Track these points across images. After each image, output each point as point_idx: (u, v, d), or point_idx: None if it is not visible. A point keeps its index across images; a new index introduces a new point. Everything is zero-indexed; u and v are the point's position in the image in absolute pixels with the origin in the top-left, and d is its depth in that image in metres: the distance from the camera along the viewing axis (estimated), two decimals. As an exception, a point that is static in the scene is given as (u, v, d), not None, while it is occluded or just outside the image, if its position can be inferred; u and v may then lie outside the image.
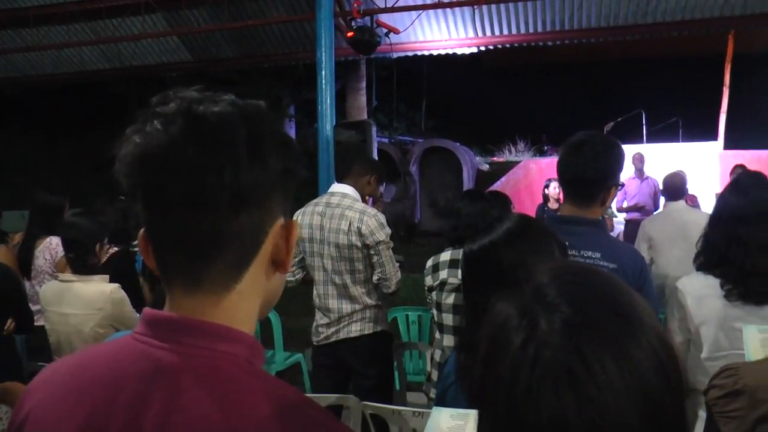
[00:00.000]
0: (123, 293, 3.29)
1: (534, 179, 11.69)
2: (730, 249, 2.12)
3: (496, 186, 11.42)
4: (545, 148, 15.65)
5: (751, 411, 1.37)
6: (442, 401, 1.75)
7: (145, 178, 0.82)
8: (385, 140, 14.89)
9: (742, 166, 8.59)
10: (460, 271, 1.80)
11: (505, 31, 10.50)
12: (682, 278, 2.29)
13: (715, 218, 2.25)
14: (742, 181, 2.28)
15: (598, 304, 0.73)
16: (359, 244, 3.47)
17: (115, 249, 4.17)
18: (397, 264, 3.60)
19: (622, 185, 8.62)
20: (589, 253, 2.22)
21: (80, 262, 3.34)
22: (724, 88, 11.68)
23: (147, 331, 0.85)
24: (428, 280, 3.41)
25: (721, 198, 2.28)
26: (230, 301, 0.87)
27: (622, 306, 0.74)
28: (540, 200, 8.14)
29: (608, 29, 10.54)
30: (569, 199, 2.37)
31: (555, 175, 7.97)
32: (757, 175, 2.32)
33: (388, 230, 3.54)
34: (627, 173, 9.13)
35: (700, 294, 2.18)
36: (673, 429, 0.71)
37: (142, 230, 0.88)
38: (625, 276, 2.18)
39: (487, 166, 14.73)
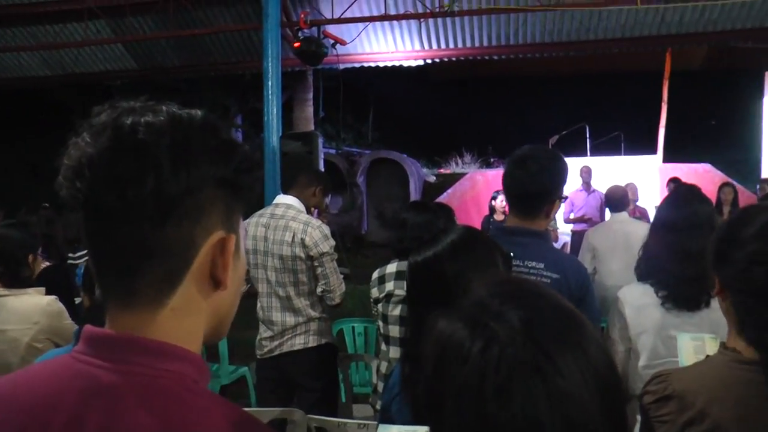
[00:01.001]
0: (60, 305, 3.16)
1: (480, 191, 11.82)
2: (664, 257, 2.18)
3: (443, 197, 11.53)
4: (491, 160, 15.87)
5: (680, 415, 1.40)
6: (386, 412, 1.73)
7: (77, 190, 0.80)
8: (333, 151, 14.88)
9: (676, 179, 8.88)
10: (405, 283, 1.79)
11: (451, 45, 10.64)
12: (623, 289, 2.35)
13: (653, 229, 2.32)
14: (678, 193, 2.35)
15: (544, 306, 0.77)
16: (303, 255, 3.45)
17: (47, 263, 4.02)
18: (342, 276, 3.58)
19: (566, 197, 8.78)
20: (533, 264, 2.25)
21: (12, 275, 3.20)
22: (663, 103, 12.07)
23: (86, 350, 0.82)
24: (374, 292, 3.39)
25: (659, 210, 2.37)
26: (165, 319, 0.83)
27: (565, 307, 0.78)
28: (486, 212, 8.23)
29: (552, 45, 10.78)
30: (514, 211, 2.40)
31: (501, 187, 8.06)
32: (692, 189, 2.39)
33: (332, 242, 3.53)
34: (574, 186, 9.31)
35: (639, 304, 2.23)
36: (623, 424, 0.74)
37: None
38: (568, 285, 2.22)
39: (434, 178, 14.85)
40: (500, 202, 7.99)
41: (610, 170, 10.73)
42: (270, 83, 7.75)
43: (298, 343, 3.56)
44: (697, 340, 1.95)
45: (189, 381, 0.82)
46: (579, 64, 12.92)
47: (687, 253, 2.07)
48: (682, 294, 2.14)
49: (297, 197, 3.63)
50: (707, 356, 1.56)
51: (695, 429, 1.38)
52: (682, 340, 1.96)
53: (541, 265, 2.25)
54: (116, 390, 0.77)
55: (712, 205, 2.35)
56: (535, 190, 2.31)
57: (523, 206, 2.35)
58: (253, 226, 3.58)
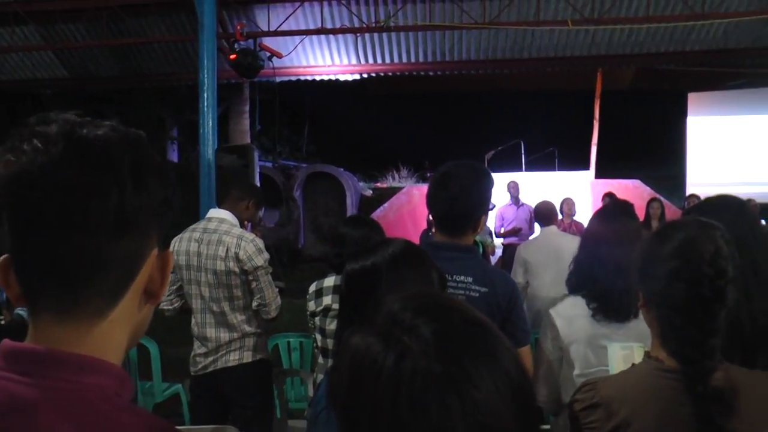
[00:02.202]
0: None
1: (417, 205, 11.90)
2: (594, 269, 2.24)
3: (380, 211, 11.57)
4: (428, 174, 16.01)
5: (607, 422, 1.45)
6: (314, 425, 1.72)
7: (17, 198, 0.78)
8: (269, 165, 14.75)
9: (611, 194, 9.14)
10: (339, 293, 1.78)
11: (387, 60, 10.74)
12: (555, 300, 2.40)
13: (584, 242, 2.39)
14: (607, 208, 2.42)
15: (456, 318, 0.78)
16: (237, 270, 3.42)
17: None
18: (277, 289, 3.55)
19: (494, 206, 8.93)
20: (462, 278, 2.28)
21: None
22: (595, 121, 12.43)
23: (3, 365, 0.79)
24: (311, 306, 3.38)
25: (590, 223, 2.45)
26: (102, 330, 0.83)
27: (477, 319, 0.79)
28: (423, 226, 8.29)
29: (486, 62, 11.00)
30: (440, 229, 2.43)
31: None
32: (621, 204, 2.47)
33: (267, 255, 3.51)
34: (503, 200, 9.47)
35: (570, 315, 2.28)
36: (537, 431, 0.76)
37: (3, 257, 0.83)
38: (497, 298, 2.27)
39: (371, 192, 14.88)
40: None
41: (544, 185, 10.97)
42: (206, 95, 7.65)
43: (233, 359, 3.51)
44: (626, 349, 2.01)
45: (111, 394, 0.81)
46: (515, 81, 13.22)
47: (616, 265, 2.13)
48: (611, 305, 2.19)
49: (230, 211, 3.59)
50: (632, 365, 1.61)
51: None
52: (612, 349, 2.03)
53: (470, 279, 2.28)
54: (36, 405, 0.76)
55: (639, 221, 2.43)
56: (459, 212, 2.35)
57: (449, 226, 2.39)
58: (186, 241, 3.53)
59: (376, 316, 0.81)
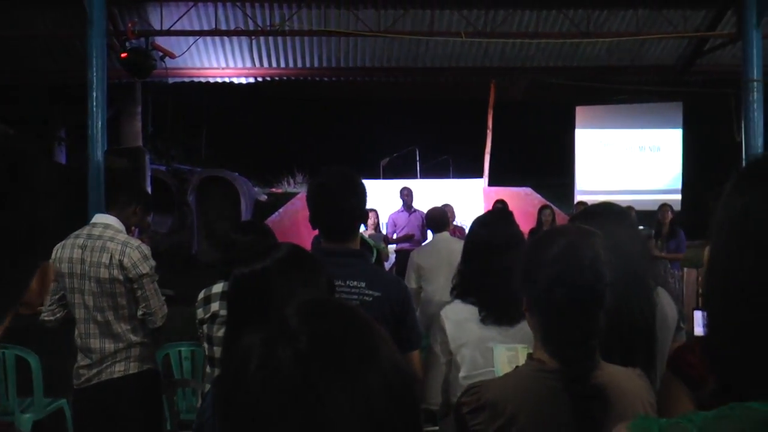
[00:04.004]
0: None
1: (312, 211, 11.84)
2: (485, 277, 2.29)
3: (274, 217, 11.45)
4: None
5: (491, 423, 1.49)
6: None
7: None
8: (163, 168, 14.29)
9: (502, 201, 9.42)
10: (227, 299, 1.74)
11: (282, 64, 10.69)
12: (445, 305, 2.45)
13: (468, 251, 2.44)
14: (487, 216, 2.50)
15: (335, 336, 0.77)
16: (121, 278, 3.31)
17: None
18: (164, 298, 3.44)
19: (373, 210, 9.08)
20: (355, 283, 2.30)
21: None
22: (488, 131, 12.77)
23: None
24: (199, 313, 3.29)
25: (470, 232, 2.50)
26: None
27: (358, 338, 0.78)
28: (316, 232, 8.24)
29: (381, 69, 11.13)
30: (325, 237, 2.46)
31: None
32: (501, 211, 2.55)
33: (153, 262, 3.42)
34: (395, 207, 9.58)
35: (460, 318, 2.33)
36: None
37: None
38: (390, 302, 2.30)
39: (266, 197, 14.70)
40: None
41: (438, 192, 11.17)
42: (95, 95, 7.32)
43: (118, 370, 3.39)
44: (511, 351, 2.08)
45: None
46: (410, 89, 13.41)
47: (500, 272, 2.19)
48: (499, 310, 2.25)
49: (117, 216, 3.48)
50: (516, 366, 1.66)
51: None
52: (497, 351, 2.09)
53: (363, 284, 2.30)
54: None
55: (518, 227, 2.50)
56: (340, 220, 2.39)
57: (333, 234, 2.42)
58: (68, 248, 3.38)
59: (267, 320, 0.81)
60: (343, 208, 2.37)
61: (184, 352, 4.96)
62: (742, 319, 0.77)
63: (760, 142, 8.92)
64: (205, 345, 3.25)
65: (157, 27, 9.14)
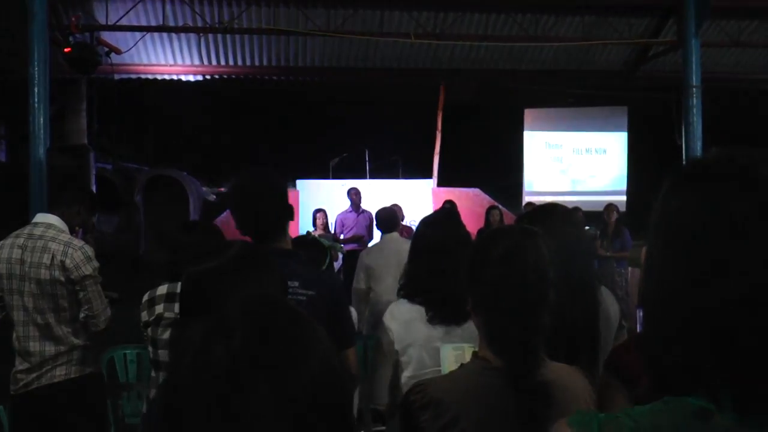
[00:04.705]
0: None
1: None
2: (431, 277, 2.31)
3: (223, 217, 11.30)
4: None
5: (437, 420, 1.50)
6: None
7: None
8: (108, 167, 13.97)
9: (450, 202, 9.49)
10: (177, 305, 1.71)
11: (231, 62, 10.59)
12: (391, 306, 2.46)
13: (415, 251, 2.45)
14: (434, 216, 2.51)
15: (269, 333, 0.78)
16: (63, 279, 3.24)
17: None
18: (108, 300, 3.37)
19: (322, 210, 9.09)
20: (289, 283, 2.28)
21: None
22: (438, 132, 12.86)
23: None
24: (144, 316, 3.23)
25: (417, 233, 2.51)
26: None
27: (292, 336, 0.79)
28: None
29: (331, 69, 11.10)
30: (256, 240, 2.42)
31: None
32: (446, 211, 2.57)
33: (96, 264, 3.35)
34: (344, 206, 9.59)
35: (407, 319, 2.35)
36: None
37: None
38: (323, 302, 2.29)
39: (214, 197, 14.51)
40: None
41: (387, 193, 11.20)
42: (36, 90, 7.12)
43: (59, 374, 3.30)
44: (457, 350, 2.10)
45: None
46: (361, 89, 13.42)
47: (447, 271, 2.21)
48: (445, 310, 2.27)
49: (60, 216, 3.39)
50: (462, 365, 1.67)
51: None
52: (444, 351, 2.11)
53: (296, 284, 2.29)
54: None
55: (464, 227, 2.52)
56: (266, 227, 2.38)
57: (260, 236, 2.40)
58: (7, 248, 3.29)
59: (220, 312, 0.81)
60: (266, 209, 2.37)
61: (130, 355, 4.86)
62: (675, 318, 0.80)
63: (699, 145, 9.22)
64: (150, 348, 3.19)
65: (102, 22, 8.94)
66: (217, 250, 1.65)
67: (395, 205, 8.58)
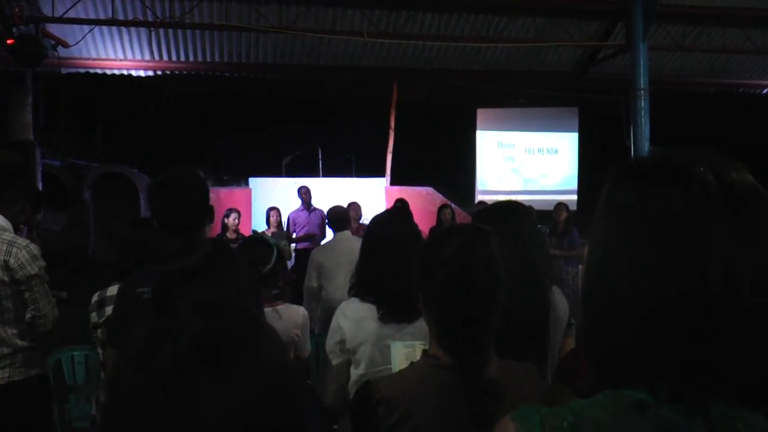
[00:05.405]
0: None
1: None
2: (382, 276, 2.30)
3: (175, 214, 11.13)
4: (225, 177, 15.72)
5: (387, 418, 1.51)
6: None
7: None
8: (56, 163, 13.60)
9: (402, 200, 9.52)
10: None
11: (183, 58, 10.44)
12: (342, 304, 2.45)
13: (366, 249, 2.45)
14: (385, 214, 2.52)
15: (218, 334, 0.76)
16: (7, 279, 3.15)
17: None
18: (55, 300, 3.29)
19: (275, 208, 9.04)
20: None
21: None
22: (391, 131, 12.88)
23: None
24: (93, 317, 3.18)
25: (367, 231, 2.51)
26: None
27: (242, 337, 0.78)
28: (218, 229, 8.14)
29: (283, 66, 11.02)
30: (172, 237, 2.40)
31: (235, 205, 7.93)
32: (397, 210, 2.58)
33: (42, 263, 3.27)
34: (296, 205, 9.55)
35: (358, 317, 2.34)
36: None
37: None
38: None
39: (166, 194, 14.25)
40: (233, 219, 7.99)
41: (340, 191, 11.19)
42: (-23, 83, 6.91)
43: (2, 377, 3.21)
44: (408, 348, 2.11)
45: None
46: (314, 87, 13.35)
47: (398, 269, 2.21)
48: (397, 308, 2.27)
49: (2, 214, 3.30)
50: (412, 363, 1.69)
51: (400, 431, 1.50)
52: (394, 348, 2.11)
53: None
54: None
55: (416, 225, 2.52)
56: (188, 218, 2.38)
57: (178, 233, 2.38)
58: (-52, 248, 3.17)
59: (172, 309, 0.81)
60: (186, 206, 2.37)
61: (78, 356, 4.76)
62: (613, 313, 0.82)
63: (647, 146, 9.45)
64: (100, 350, 3.13)
65: (48, 13, 8.69)
66: (189, 249, 1.65)
67: (353, 203, 8.60)
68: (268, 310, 2.67)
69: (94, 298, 3.22)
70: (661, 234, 0.79)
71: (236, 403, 0.71)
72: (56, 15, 8.67)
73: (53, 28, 8.59)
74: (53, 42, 8.40)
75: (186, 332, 0.74)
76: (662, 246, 0.79)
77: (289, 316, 2.93)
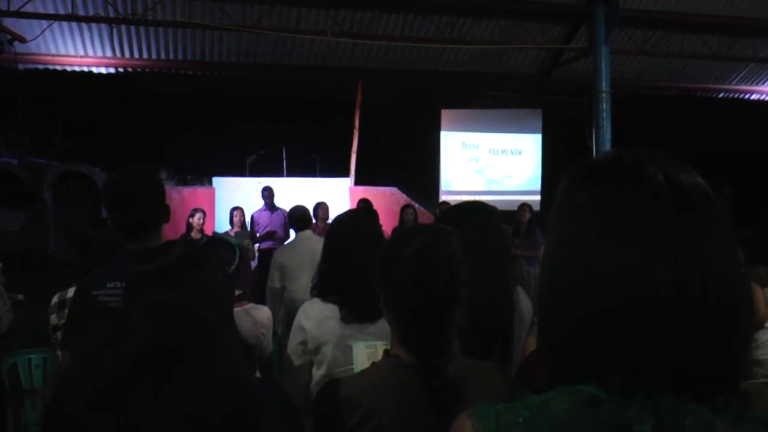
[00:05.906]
0: None
1: (176, 208, 11.32)
2: (344, 276, 2.30)
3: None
4: (188, 177, 15.55)
5: (350, 417, 1.51)
6: None
7: None
8: (14, 161, 13.31)
9: (365, 200, 9.54)
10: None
11: (145, 55, 10.30)
12: (304, 305, 2.45)
13: (328, 249, 2.44)
14: (347, 214, 2.52)
15: (168, 338, 0.75)
16: (-39, 280, 3.04)
17: None
18: (10, 302, 3.23)
19: (239, 208, 9.01)
20: None
21: None
22: (355, 130, 12.88)
23: None
24: (53, 319, 3.12)
25: (330, 231, 2.50)
26: None
27: (194, 342, 0.76)
28: (182, 230, 8.06)
29: (247, 65, 10.96)
30: (129, 238, 2.37)
31: (199, 205, 7.85)
32: (359, 210, 2.58)
33: (-1, 264, 3.16)
34: (257, 205, 9.50)
35: (320, 317, 2.33)
36: None
37: None
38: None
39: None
40: (197, 219, 7.92)
41: (305, 191, 11.15)
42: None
43: (-46, 380, 3.13)
44: (370, 348, 2.11)
45: None
46: (278, 86, 13.28)
47: (360, 269, 2.21)
48: (359, 308, 2.27)
49: (-44, 213, 3.20)
50: (373, 362, 1.69)
51: (362, 430, 1.50)
52: (356, 348, 2.11)
53: None
54: None
55: (379, 225, 2.54)
56: (145, 219, 2.36)
57: (138, 234, 2.36)
58: None
59: (125, 311, 0.79)
60: (140, 205, 2.34)
61: (35, 360, 4.66)
62: (566, 312, 0.84)
63: (608, 147, 9.60)
64: (60, 354, 3.08)
65: (3, 8, 8.48)
66: (164, 249, 1.65)
67: (323, 203, 8.58)
68: (238, 310, 2.66)
69: (54, 299, 3.16)
70: (612, 233, 0.81)
71: (179, 413, 0.70)
72: (12, 9, 8.46)
73: (10, 23, 8.40)
74: (9, 37, 8.21)
75: (133, 337, 0.73)
76: (613, 245, 0.81)
77: (257, 316, 2.93)
